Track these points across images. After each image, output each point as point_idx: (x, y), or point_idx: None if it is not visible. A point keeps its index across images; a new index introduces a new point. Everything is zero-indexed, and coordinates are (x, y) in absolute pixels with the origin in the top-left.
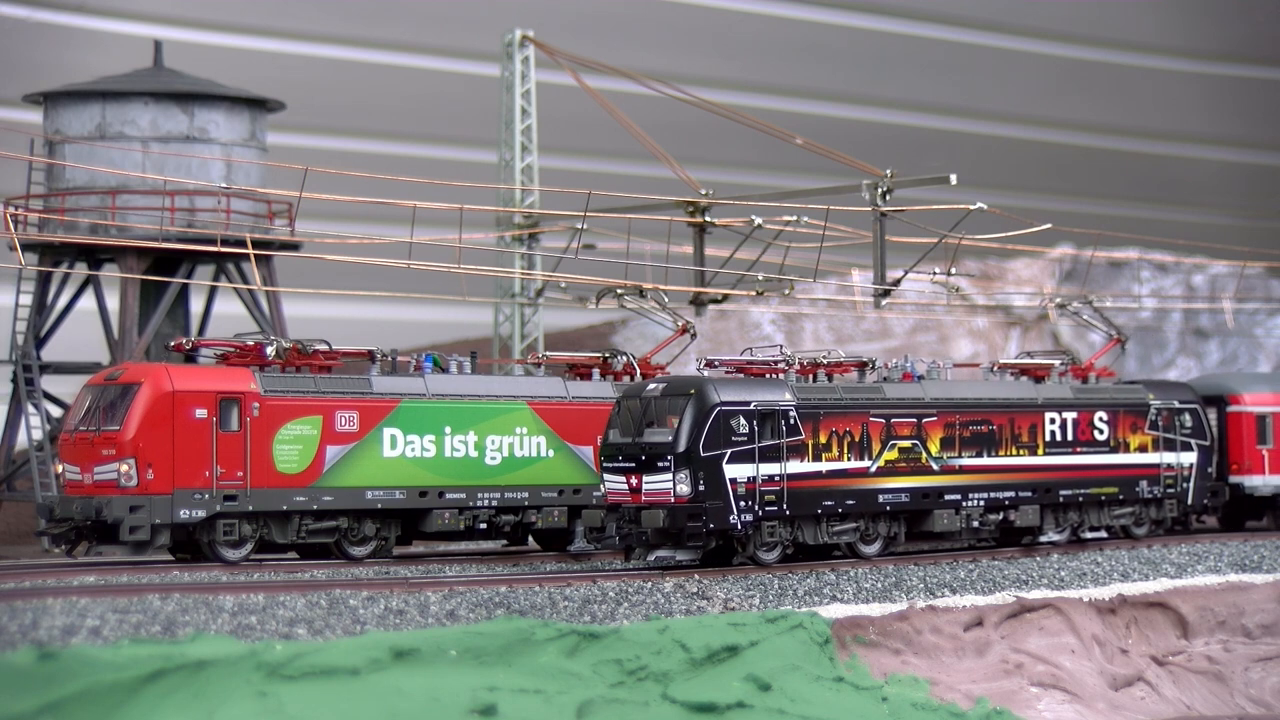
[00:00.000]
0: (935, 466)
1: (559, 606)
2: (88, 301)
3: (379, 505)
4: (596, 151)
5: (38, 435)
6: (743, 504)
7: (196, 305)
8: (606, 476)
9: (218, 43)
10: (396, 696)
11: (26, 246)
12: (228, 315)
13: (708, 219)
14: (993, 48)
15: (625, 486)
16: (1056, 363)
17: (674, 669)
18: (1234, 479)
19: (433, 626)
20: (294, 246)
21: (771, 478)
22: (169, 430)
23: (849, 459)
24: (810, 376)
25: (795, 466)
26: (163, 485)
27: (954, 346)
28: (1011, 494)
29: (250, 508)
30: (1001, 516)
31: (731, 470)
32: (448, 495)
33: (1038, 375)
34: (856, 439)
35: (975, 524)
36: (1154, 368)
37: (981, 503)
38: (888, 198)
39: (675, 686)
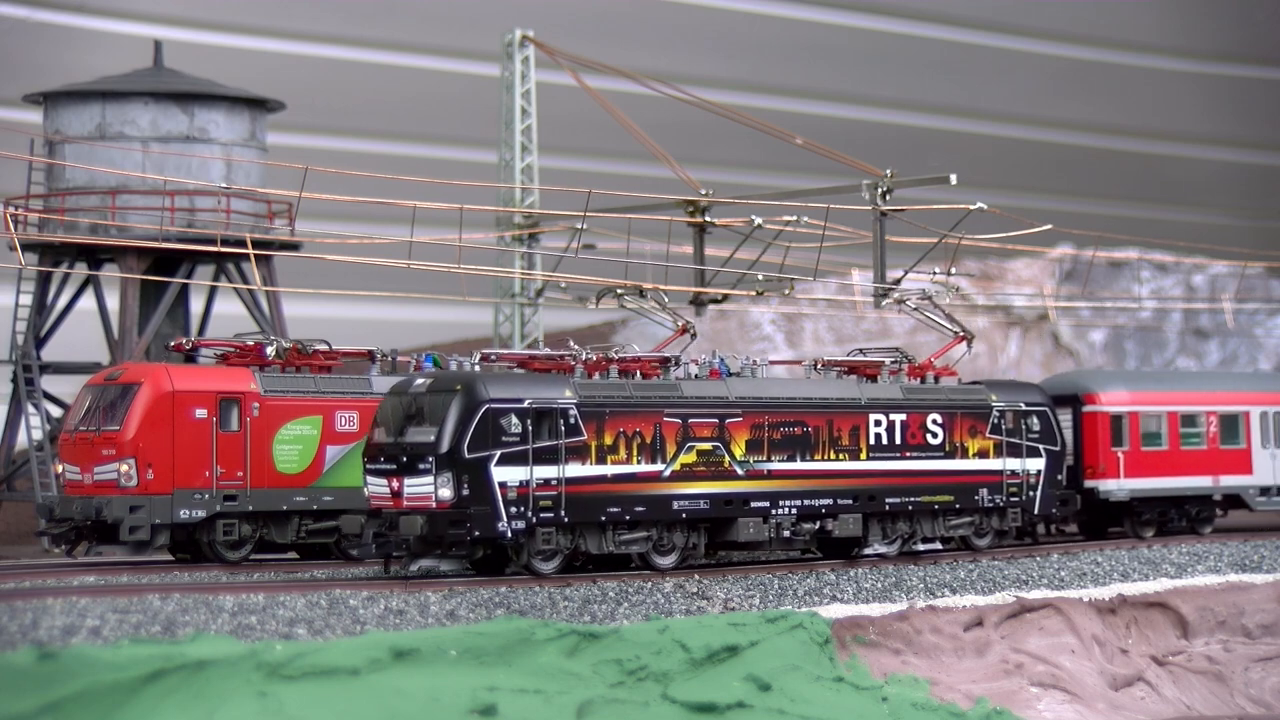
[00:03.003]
0: (740, 471)
1: (559, 606)
2: (88, 301)
3: None
4: (596, 151)
5: (38, 435)
6: (514, 510)
7: (196, 305)
8: (369, 479)
9: (218, 43)
10: (396, 696)
11: (26, 246)
12: (228, 315)
13: (708, 219)
14: (993, 48)
15: (387, 490)
16: (887, 360)
17: (674, 669)
18: (1089, 484)
19: (433, 626)
20: (294, 246)
21: (547, 481)
22: (169, 430)
23: (639, 462)
24: (602, 373)
25: (575, 470)
26: (163, 485)
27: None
28: (829, 501)
29: (250, 508)
30: (818, 526)
31: (501, 473)
32: None
33: (868, 374)
34: (648, 440)
35: (787, 534)
36: (1155, 368)
37: (794, 511)
38: (888, 198)
39: (675, 686)
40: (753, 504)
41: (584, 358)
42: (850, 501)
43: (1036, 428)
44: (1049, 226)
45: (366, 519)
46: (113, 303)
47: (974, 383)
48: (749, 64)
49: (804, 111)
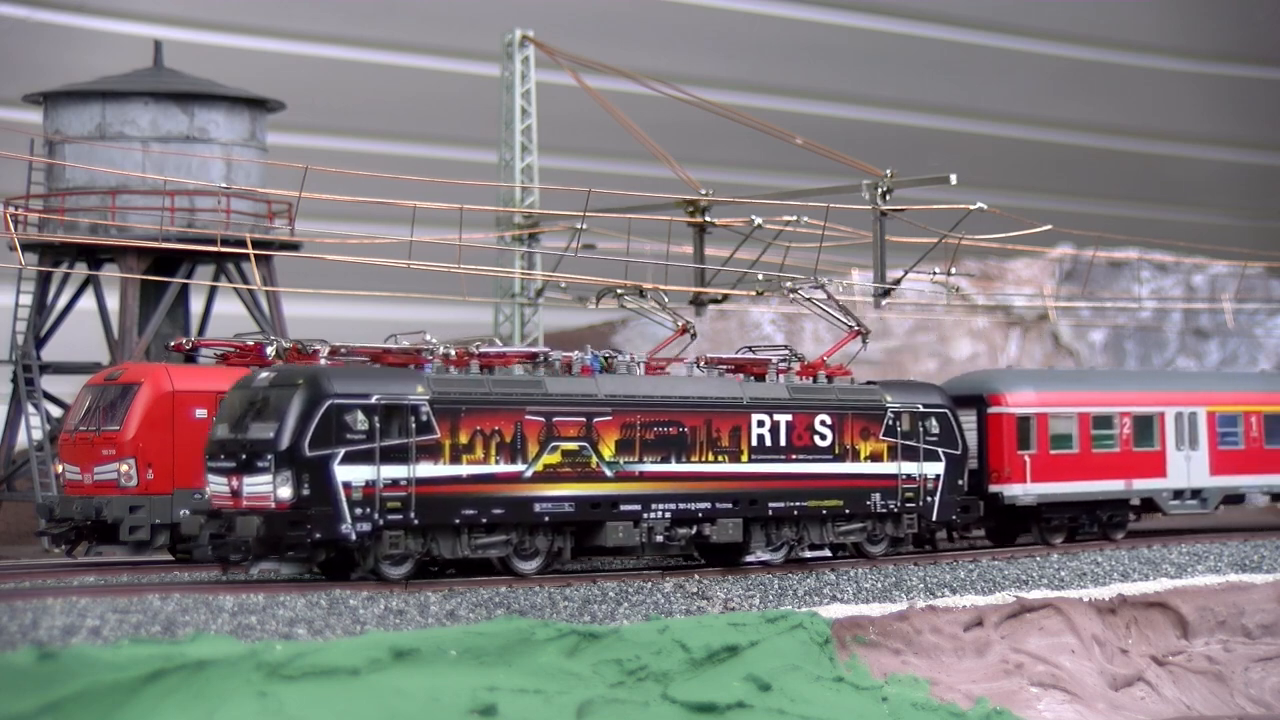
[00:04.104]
0: (609, 473)
1: (559, 606)
2: (88, 301)
3: None
4: (596, 151)
5: (38, 435)
6: (359, 511)
7: (196, 305)
8: (210, 477)
9: (218, 43)
10: (396, 696)
11: (26, 246)
12: (228, 315)
13: (708, 219)
14: (993, 48)
15: (227, 489)
16: (774, 358)
17: (674, 669)
18: (994, 489)
19: (433, 626)
20: (294, 246)
21: (396, 482)
22: (169, 430)
23: (497, 462)
24: (463, 368)
25: (427, 470)
26: (163, 485)
27: (954, 347)
28: (706, 505)
29: None
30: (695, 531)
31: (345, 472)
32: None
33: (755, 373)
34: (508, 440)
35: (660, 539)
36: (1155, 368)
37: (667, 515)
38: (888, 197)
39: (675, 686)
40: (622, 507)
41: (441, 352)
42: (730, 505)
43: (935, 430)
44: (1049, 227)
45: (206, 519)
46: (113, 303)
47: (869, 383)
48: (749, 64)
49: (804, 111)
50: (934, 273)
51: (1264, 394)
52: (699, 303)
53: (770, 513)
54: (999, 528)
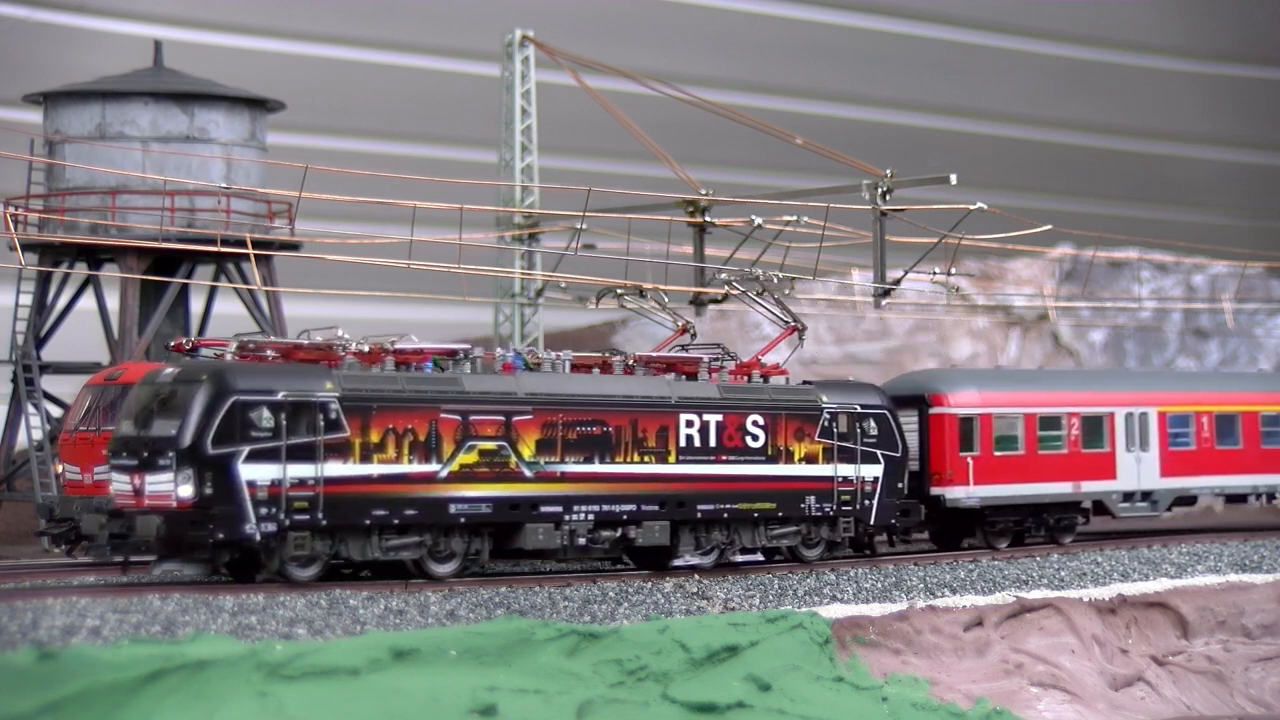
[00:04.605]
0: (529, 473)
1: (559, 606)
2: (88, 301)
3: None
4: (596, 151)
5: (38, 435)
6: (264, 511)
7: (196, 305)
8: (113, 475)
9: (218, 43)
10: (396, 696)
11: (26, 246)
12: (228, 315)
13: (708, 219)
14: (992, 48)
15: (129, 487)
16: (706, 357)
17: (674, 669)
18: (936, 491)
19: (433, 626)
20: (294, 246)
21: (303, 481)
22: None
23: (411, 461)
24: (378, 365)
25: (336, 469)
26: None
27: (954, 346)
28: (632, 507)
29: None
30: (619, 533)
31: (250, 471)
32: None
33: (686, 371)
34: (421, 439)
35: (583, 541)
36: (1154, 368)
37: (590, 517)
38: (888, 197)
39: (675, 686)
40: (543, 509)
41: (354, 347)
42: (656, 508)
43: (874, 431)
44: (1049, 227)
45: (107, 519)
46: (113, 303)
47: (805, 382)
48: (749, 64)
49: (804, 111)
50: (934, 273)
51: (1216, 394)
52: (699, 303)
53: (699, 515)
54: (943, 531)
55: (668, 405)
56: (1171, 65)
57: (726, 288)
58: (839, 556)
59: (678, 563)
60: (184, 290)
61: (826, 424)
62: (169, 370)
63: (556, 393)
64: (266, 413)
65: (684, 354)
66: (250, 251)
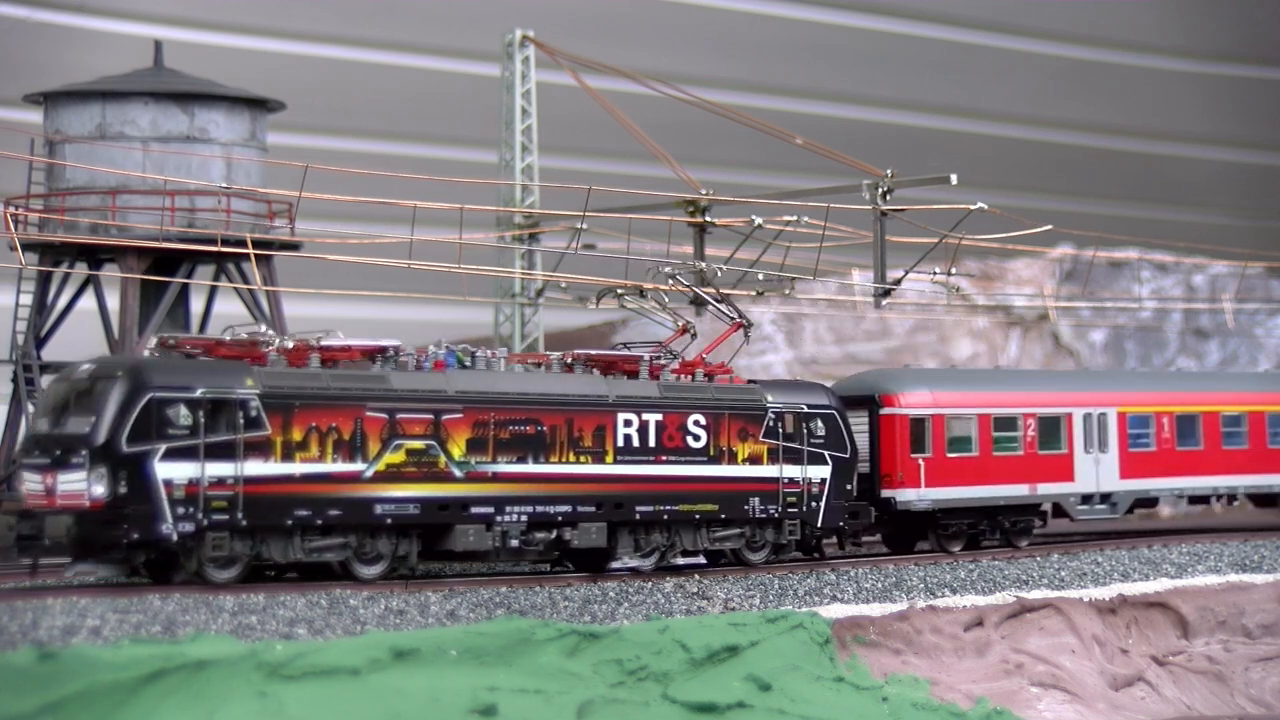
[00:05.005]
0: (459, 473)
1: (559, 606)
2: (88, 301)
3: None
4: (597, 151)
5: None
6: (181, 510)
7: (197, 305)
8: (25, 474)
9: (218, 43)
10: (397, 696)
11: (27, 246)
12: (228, 315)
13: (708, 219)
14: (992, 48)
15: (41, 486)
16: (646, 355)
17: (674, 669)
18: (886, 493)
19: (433, 626)
20: (294, 246)
21: (223, 480)
22: None
23: (334, 461)
24: (302, 363)
25: (257, 468)
26: None
27: (954, 346)
28: (567, 508)
29: None
30: (554, 535)
31: (166, 470)
32: None
33: (627, 370)
34: (346, 437)
35: (515, 543)
36: (1155, 368)
37: (524, 518)
38: (888, 197)
39: (675, 686)
40: (473, 509)
41: (278, 344)
42: (593, 509)
43: (821, 432)
44: (1049, 227)
45: (18, 519)
46: (113, 302)
47: (750, 382)
48: (749, 64)
49: (804, 111)
50: (934, 272)
51: (1177, 394)
52: (699, 303)
53: (637, 517)
54: (897, 534)
55: (605, 404)
56: (1171, 65)
57: (671, 282)
58: (784, 560)
59: (616, 565)
60: (184, 290)
61: (771, 424)
62: (85, 366)
63: (488, 391)
64: (184, 410)
65: (626, 352)
66: (250, 251)
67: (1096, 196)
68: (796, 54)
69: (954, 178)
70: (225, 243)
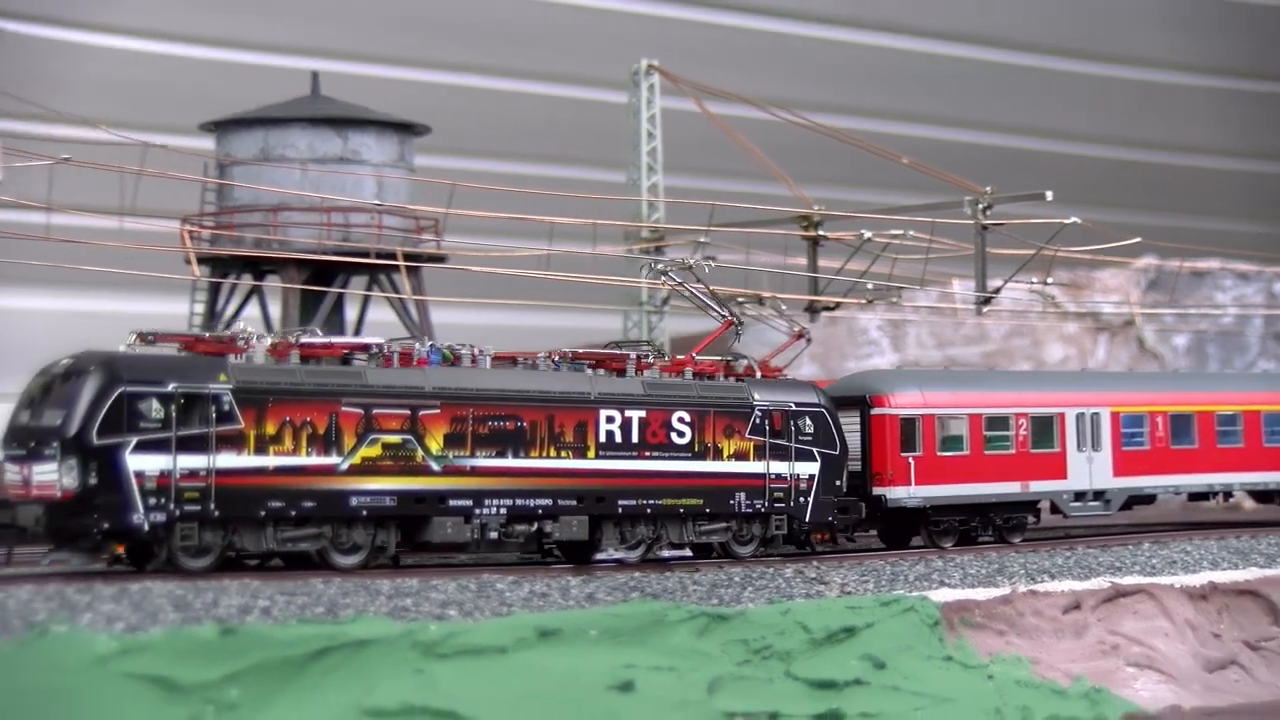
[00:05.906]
0: (436, 467)
1: (689, 590)
2: (253, 309)
3: None
4: (717, 171)
5: None
6: (152, 501)
7: (351, 313)
8: (7, 465)
9: (369, 73)
10: (541, 674)
11: (200, 260)
12: (380, 322)
13: (821, 233)
14: (1086, 74)
15: (19, 477)
16: (633, 354)
17: (796, 648)
18: (878, 490)
19: (574, 609)
20: (441, 258)
21: (194, 472)
22: None
23: (309, 454)
24: (284, 358)
25: (230, 460)
26: None
27: (1046, 350)
28: (548, 502)
29: None
30: (535, 528)
31: (138, 461)
32: None
33: (613, 368)
34: (321, 431)
35: (495, 535)
36: (1236, 370)
37: (503, 511)
38: (988, 213)
39: (797, 664)
40: (451, 502)
41: (255, 341)
42: (574, 502)
43: (809, 429)
44: (1138, 240)
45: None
46: (275, 310)
47: (738, 380)
48: (858, 90)
49: (910, 134)
50: (1031, 282)
51: (1170, 394)
52: (813, 310)
53: (620, 510)
54: (891, 530)
55: (587, 401)
56: (1243, 86)
57: (663, 278)
58: (773, 554)
59: (600, 556)
60: (340, 299)
61: (758, 421)
62: (63, 361)
63: (466, 387)
64: (156, 404)
65: (616, 350)
66: (401, 263)
67: (1180, 211)
68: (903, 81)
69: (1049, 194)
70: (378, 255)
